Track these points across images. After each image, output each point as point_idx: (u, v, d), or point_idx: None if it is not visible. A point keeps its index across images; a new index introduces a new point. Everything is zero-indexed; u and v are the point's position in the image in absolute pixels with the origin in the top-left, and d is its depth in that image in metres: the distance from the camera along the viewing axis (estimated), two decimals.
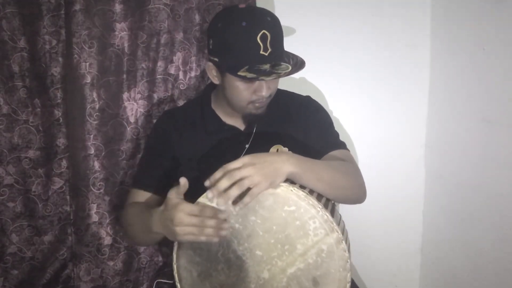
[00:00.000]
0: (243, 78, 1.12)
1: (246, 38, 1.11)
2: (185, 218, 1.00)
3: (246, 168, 0.99)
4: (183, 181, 1.04)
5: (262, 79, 1.12)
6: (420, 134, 1.70)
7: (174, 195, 1.04)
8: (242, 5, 1.18)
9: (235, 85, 1.16)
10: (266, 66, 1.12)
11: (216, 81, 1.22)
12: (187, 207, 1.01)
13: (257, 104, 1.20)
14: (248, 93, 1.17)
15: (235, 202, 1.01)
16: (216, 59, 1.17)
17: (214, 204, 1.03)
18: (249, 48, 1.11)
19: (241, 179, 0.99)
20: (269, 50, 1.12)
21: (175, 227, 1.01)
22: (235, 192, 0.99)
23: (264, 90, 1.16)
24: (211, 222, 1.01)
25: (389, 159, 1.69)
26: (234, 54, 1.13)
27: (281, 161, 1.03)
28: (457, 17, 1.53)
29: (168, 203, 1.04)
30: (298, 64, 1.17)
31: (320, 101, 1.35)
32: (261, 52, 1.12)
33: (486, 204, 1.43)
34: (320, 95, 1.59)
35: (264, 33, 1.11)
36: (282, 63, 1.14)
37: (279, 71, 1.11)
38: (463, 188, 1.53)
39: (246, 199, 0.99)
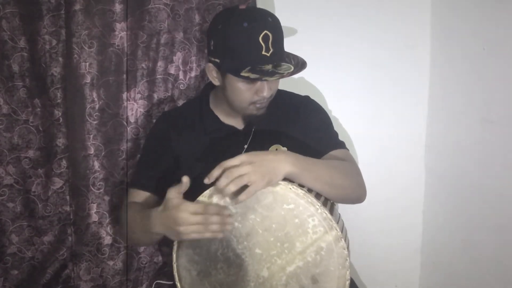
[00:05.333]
0: (246, 79, 1.11)
1: (247, 38, 1.11)
2: (189, 218, 1.01)
3: (244, 166, 0.99)
4: (186, 179, 1.04)
5: (266, 80, 1.12)
6: (420, 134, 1.70)
7: (174, 195, 1.04)
8: (242, 6, 1.18)
9: (237, 86, 1.16)
10: (269, 67, 1.12)
11: (216, 82, 1.22)
12: (190, 206, 1.02)
13: (258, 105, 1.20)
14: (250, 94, 1.17)
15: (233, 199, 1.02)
16: (217, 60, 1.16)
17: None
18: (251, 48, 1.11)
19: (239, 176, 0.99)
20: (271, 50, 1.12)
21: (179, 227, 1.01)
22: (230, 188, 0.99)
23: (265, 90, 1.16)
24: (216, 218, 1.01)
25: (389, 159, 1.69)
26: (236, 55, 1.12)
27: (279, 160, 1.03)
28: (457, 17, 1.53)
29: (168, 203, 1.04)
30: (299, 64, 1.17)
31: (319, 101, 1.36)
32: (263, 52, 1.12)
33: (486, 204, 1.43)
34: (319, 95, 1.59)
35: (266, 33, 1.11)
36: (284, 63, 1.14)
37: (282, 71, 1.11)
38: (463, 188, 1.53)
39: (241, 196, 0.99)
